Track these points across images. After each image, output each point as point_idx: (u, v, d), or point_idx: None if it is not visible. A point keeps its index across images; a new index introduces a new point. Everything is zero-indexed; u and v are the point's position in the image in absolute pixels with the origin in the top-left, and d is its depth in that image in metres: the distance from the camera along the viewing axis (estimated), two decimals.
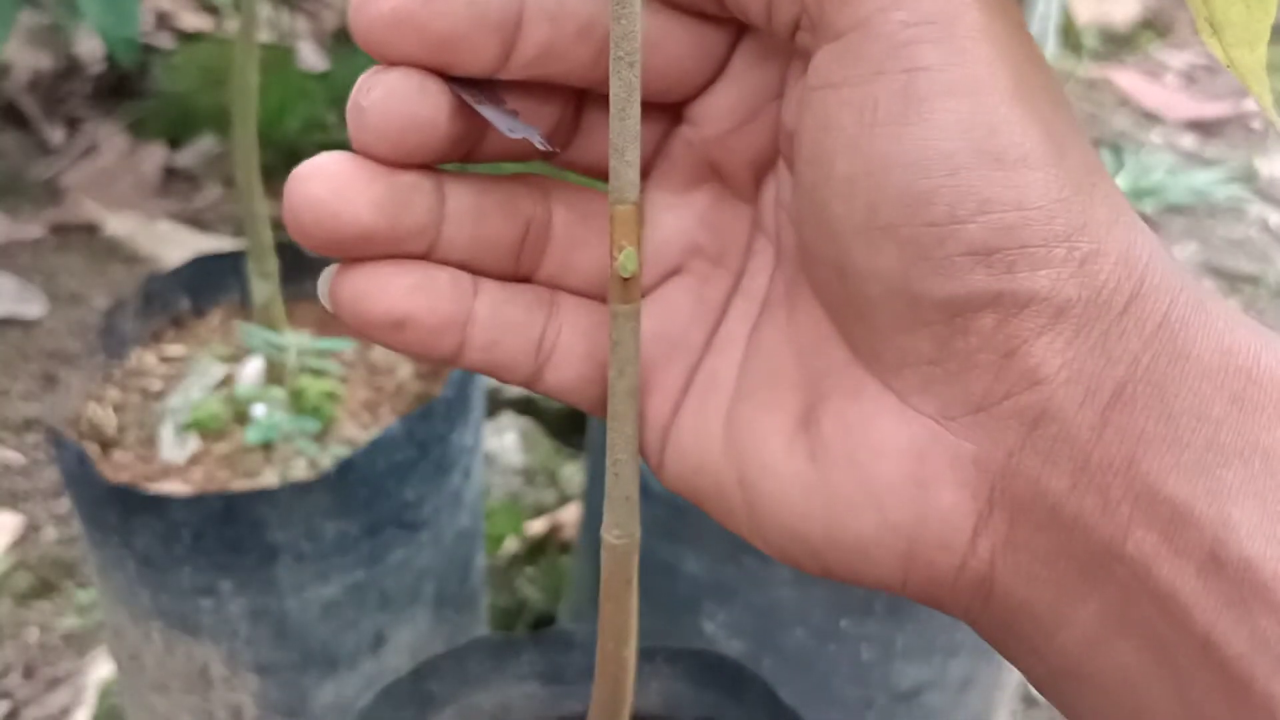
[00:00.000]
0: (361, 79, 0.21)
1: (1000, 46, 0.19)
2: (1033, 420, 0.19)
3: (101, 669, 0.90)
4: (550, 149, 0.23)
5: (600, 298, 0.25)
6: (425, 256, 0.23)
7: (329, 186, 0.21)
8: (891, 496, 0.21)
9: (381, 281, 0.22)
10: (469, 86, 0.22)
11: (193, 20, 1.73)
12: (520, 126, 0.22)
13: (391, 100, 0.21)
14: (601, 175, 0.24)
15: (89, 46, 1.62)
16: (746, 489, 0.23)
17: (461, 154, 0.23)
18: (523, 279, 0.24)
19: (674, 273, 0.25)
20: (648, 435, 0.24)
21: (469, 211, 0.23)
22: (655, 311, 0.24)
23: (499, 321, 0.23)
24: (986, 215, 0.19)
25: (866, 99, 0.19)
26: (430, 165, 0.22)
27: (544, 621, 0.97)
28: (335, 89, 1.58)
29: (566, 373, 0.24)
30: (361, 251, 0.22)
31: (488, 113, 0.21)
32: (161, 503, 0.60)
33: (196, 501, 0.60)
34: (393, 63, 0.21)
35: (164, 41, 1.67)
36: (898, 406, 0.21)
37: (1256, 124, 1.69)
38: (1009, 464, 0.20)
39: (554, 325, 0.24)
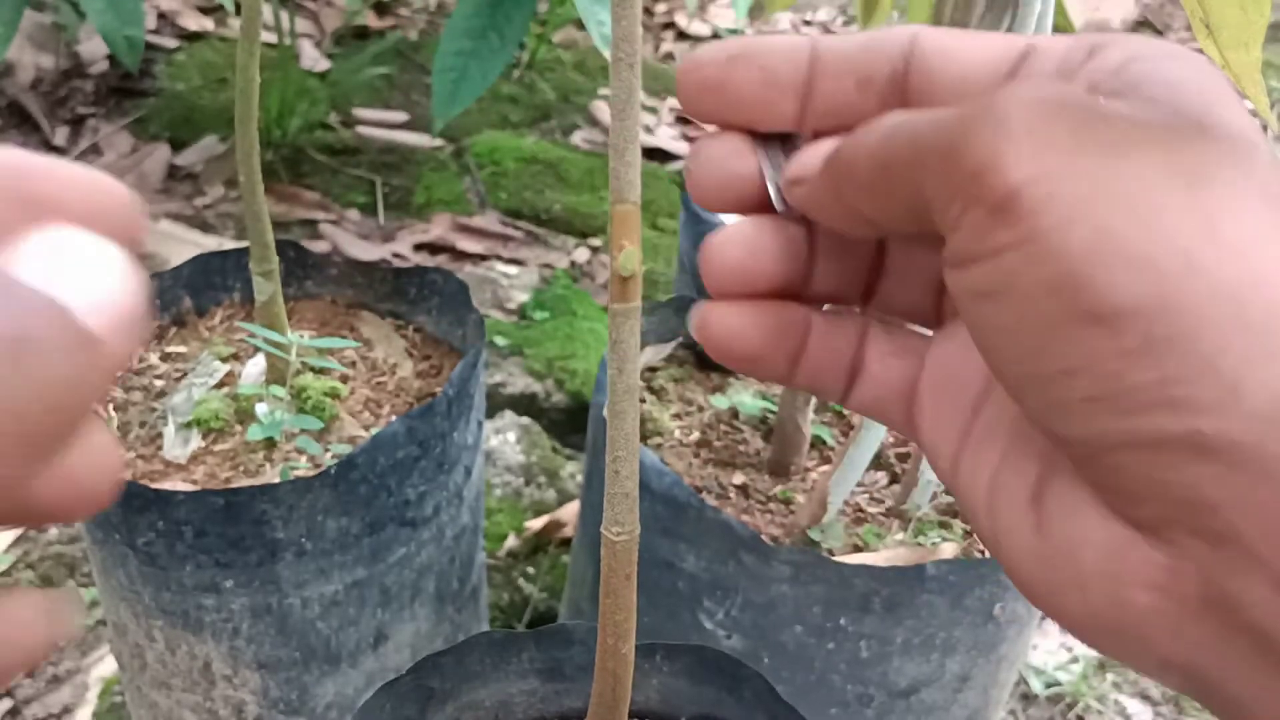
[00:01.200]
0: (692, 146, 0.27)
1: None
2: (1215, 542, 0.20)
3: (103, 667, 0.90)
4: (784, 207, 0.27)
5: (905, 322, 0.29)
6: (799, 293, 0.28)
7: (745, 249, 0.27)
8: (1095, 585, 0.22)
9: (744, 323, 0.27)
10: (774, 143, 0.27)
11: (195, 20, 1.74)
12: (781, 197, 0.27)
13: (712, 163, 0.27)
14: (911, 317, 0.28)
15: (92, 46, 1.63)
16: (994, 543, 0.25)
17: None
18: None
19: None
20: (940, 459, 0.27)
21: (834, 252, 0.28)
22: (949, 349, 0.27)
23: (823, 351, 0.28)
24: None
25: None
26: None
27: (544, 618, 0.97)
28: (336, 89, 1.59)
29: (871, 392, 0.28)
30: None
31: (767, 170, 0.27)
32: (164, 500, 0.60)
33: (198, 499, 0.60)
34: (706, 120, 0.26)
35: (166, 41, 1.68)
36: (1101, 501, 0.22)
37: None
38: (1200, 574, 0.20)
39: (859, 352, 0.28)
